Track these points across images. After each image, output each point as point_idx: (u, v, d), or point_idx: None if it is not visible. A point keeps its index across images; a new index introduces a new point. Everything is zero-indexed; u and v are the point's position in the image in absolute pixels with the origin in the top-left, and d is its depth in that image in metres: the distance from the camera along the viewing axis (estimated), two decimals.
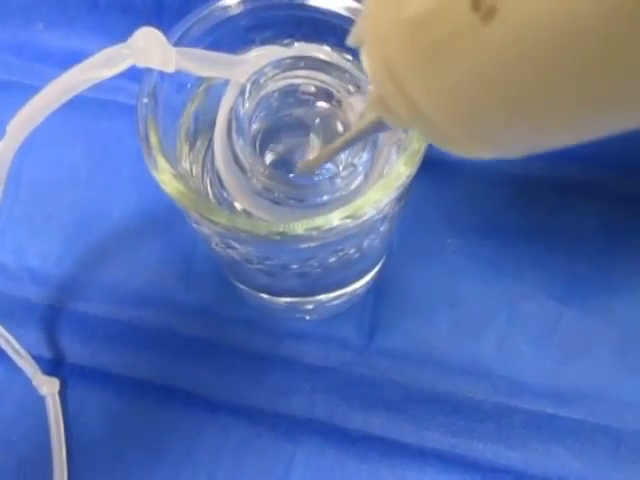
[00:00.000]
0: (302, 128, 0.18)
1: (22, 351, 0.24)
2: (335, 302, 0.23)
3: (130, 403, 0.25)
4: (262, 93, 0.16)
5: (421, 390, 0.25)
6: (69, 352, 0.25)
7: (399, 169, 0.14)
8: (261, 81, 0.16)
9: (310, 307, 0.23)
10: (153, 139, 0.14)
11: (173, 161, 0.14)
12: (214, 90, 0.18)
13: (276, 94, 0.17)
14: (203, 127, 0.18)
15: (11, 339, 0.24)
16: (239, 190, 0.15)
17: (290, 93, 0.17)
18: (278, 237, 0.13)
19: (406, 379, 0.25)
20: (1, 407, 0.25)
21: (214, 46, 0.17)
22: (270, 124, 0.18)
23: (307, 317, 0.25)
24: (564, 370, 0.25)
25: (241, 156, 0.15)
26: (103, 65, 0.15)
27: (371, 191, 0.13)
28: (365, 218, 0.13)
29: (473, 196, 0.26)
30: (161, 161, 0.14)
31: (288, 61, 0.16)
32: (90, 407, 0.25)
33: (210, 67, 0.16)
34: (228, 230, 0.13)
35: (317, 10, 0.16)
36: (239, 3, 0.16)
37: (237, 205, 0.16)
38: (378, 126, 0.12)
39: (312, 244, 0.13)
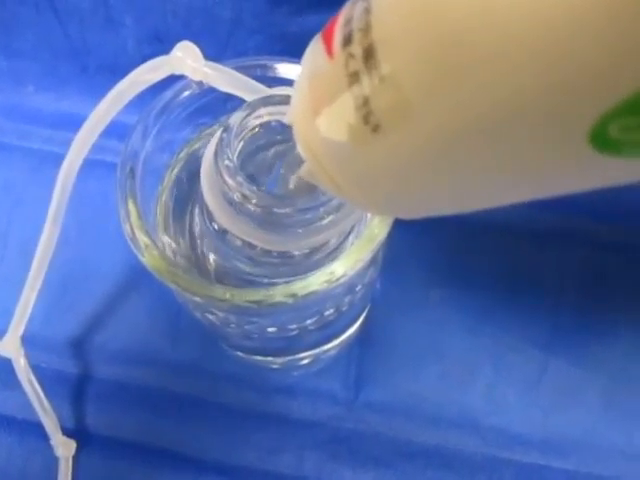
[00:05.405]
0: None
1: (49, 408, 0.23)
2: (330, 352, 0.23)
3: (116, 464, 0.24)
4: (252, 122, 0.15)
5: (410, 444, 0.24)
6: (55, 412, 0.25)
7: (373, 231, 0.14)
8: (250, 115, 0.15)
9: (307, 361, 0.23)
10: (134, 217, 0.14)
11: (152, 232, 0.15)
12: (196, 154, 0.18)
13: (260, 128, 0.16)
14: (188, 187, 0.19)
15: (42, 394, 0.23)
16: (225, 215, 0.15)
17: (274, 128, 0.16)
18: (255, 305, 0.13)
19: (394, 432, 0.25)
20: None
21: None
22: (255, 162, 0.17)
23: (295, 373, 0.25)
24: (553, 419, 0.25)
25: (226, 177, 0.14)
26: (148, 72, 0.17)
27: (346, 254, 0.14)
28: (341, 281, 0.13)
29: (454, 246, 0.27)
30: (142, 238, 0.14)
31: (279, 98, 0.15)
32: (75, 467, 0.24)
33: (231, 84, 0.17)
34: (205, 299, 0.13)
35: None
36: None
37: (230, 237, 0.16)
38: None
39: (289, 308, 0.14)
